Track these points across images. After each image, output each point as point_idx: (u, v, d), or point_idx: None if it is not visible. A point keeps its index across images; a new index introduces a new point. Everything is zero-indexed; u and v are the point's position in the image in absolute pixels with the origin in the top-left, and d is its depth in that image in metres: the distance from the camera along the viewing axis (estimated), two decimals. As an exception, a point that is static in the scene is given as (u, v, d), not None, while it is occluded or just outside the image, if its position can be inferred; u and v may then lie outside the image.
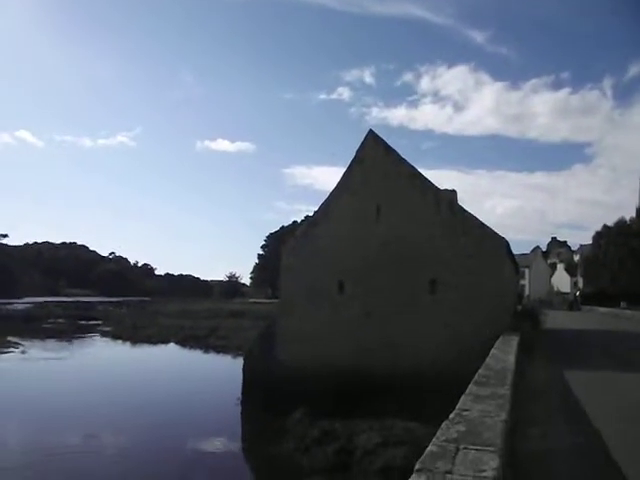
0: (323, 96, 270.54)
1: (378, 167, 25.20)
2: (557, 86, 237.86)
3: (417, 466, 3.83)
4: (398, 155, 25.34)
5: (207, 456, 19.20)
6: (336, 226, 25.45)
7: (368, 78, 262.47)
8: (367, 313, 24.29)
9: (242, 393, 26.20)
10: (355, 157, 25.83)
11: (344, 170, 26.14)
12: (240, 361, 30.46)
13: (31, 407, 26.90)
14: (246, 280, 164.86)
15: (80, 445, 20.81)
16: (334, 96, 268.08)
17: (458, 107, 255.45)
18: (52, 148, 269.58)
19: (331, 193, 26.17)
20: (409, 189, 24.69)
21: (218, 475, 17.13)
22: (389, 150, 25.45)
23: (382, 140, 25.63)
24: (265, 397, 23.17)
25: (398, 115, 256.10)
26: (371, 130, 26.16)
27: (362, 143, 25.81)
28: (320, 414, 18.98)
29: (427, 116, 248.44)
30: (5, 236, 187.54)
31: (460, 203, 25.79)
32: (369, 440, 16.57)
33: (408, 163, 25.22)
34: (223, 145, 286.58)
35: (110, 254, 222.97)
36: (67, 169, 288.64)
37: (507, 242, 24.08)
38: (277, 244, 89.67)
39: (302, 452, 17.34)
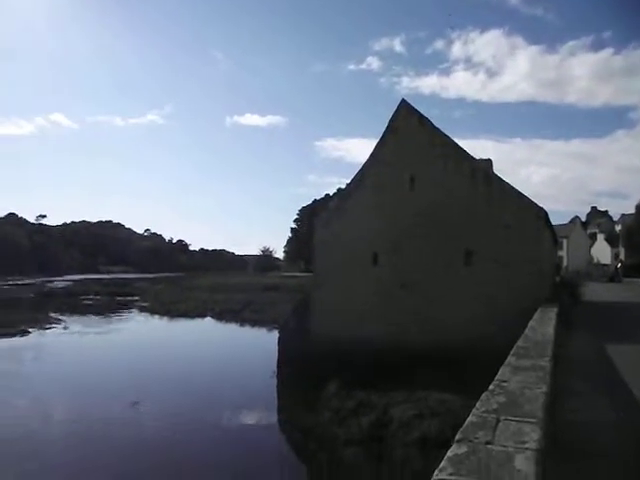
0: (352, 67, 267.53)
1: (412, 137, 24.76)
2: (597, 47, 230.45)
3: (458, 436, 3.69)
4: (432, 124, 24.85)
5: (243, 427, 19.43)
6: (370, 198, 25.17)
7: (398, 47, 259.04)
8: (401, 285, 24.07)
9: (277, 366, 26.37)
10: (388, 127, 25.40)
11: (376, 141, 25.78)
12: (275, 334, 30.67)
13: (74, 379, 27.62)
14: (280, 254, 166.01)
15: (120, 414, 21.29)
16: (363, 66, 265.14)
17: (492, 73, 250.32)
18: (85, 129, 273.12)
19: (364, 164, 25.87)
20: (443, 159, 24.22)
21: (254, 446, 17.29)
22: (423, 119, 24.96)
23: (415, 110, 25.14)
24: (300, 369, 23.22)
25: (429, 84, 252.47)
26: (404, 100, 25.67)
27: (395, 113, 25.36)
28: (355, 386, 18.95)
29: (459, 84, 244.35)
30: (44, 216, 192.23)
31: (495, 172, 25.27)
32: (404, 412, 16.50)
33: (442, 132, 24.71)
34: (253, 119, 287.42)
35: (145, 231, 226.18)
36: (100, 149, 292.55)
37: (545, 212, 23.51)
38: (310, 218, 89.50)
39: (337, 423, 17.35)
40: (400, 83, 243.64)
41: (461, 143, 24.83)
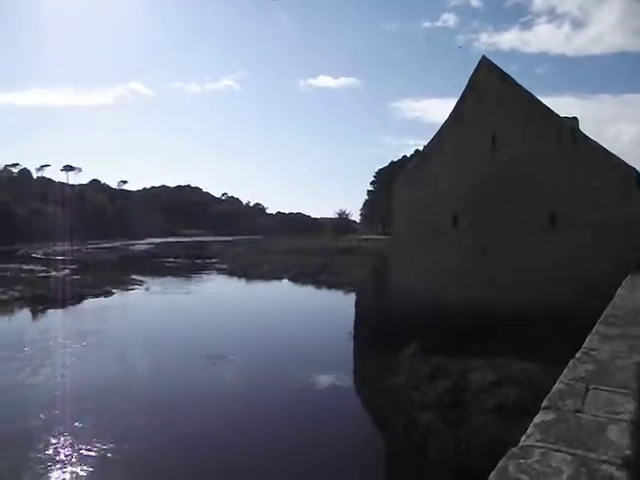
0: (427, 24, 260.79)
1: (492, 95, 23.84)
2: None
3: (545, 403, 3.54)
4: (514, 81, 23.84)
5: (319, 388, 19.68)
6: (449, 158, 24.54)
7: (475, 1, 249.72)
8: (482, 248, 23.50)
9: (354, 328, 26.48)
10: (468, 86, 24.56)
11: (454, 101, 25.04)
12: (351, 297, 30.79)
13: (156, 337, 28.76)
14: (356, 217, 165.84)
15: (201, 371, 22.08)
16: (439, 24, 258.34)
17: (577, 25, 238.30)
18: (163, 96, 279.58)
19: (443, 125, 25.20)
20: (526, 117, 23.23)
21: (330, 407, 17.52)
22: (504, 76, 23.97)
23: (496, 66, 24.16)
24: (377, 332, 23.26)
25: (509, 39, 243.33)
26: (484, 56, 24.70)
27: (475, 70, 24.44)
28: (432, 350, 18.78)
29: (542, 37, 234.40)
30: (125, 182, 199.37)
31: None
32: (482, 378, 16.23)
33: (525, 89, 23.65)
34: (326, 81, 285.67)
35: (223, 195, 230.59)
36: (177, 115, 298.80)
37: (637, 172, 22.28)
38: (387, 180, 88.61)
39: (413, 387, 17.28)
40: (478, 40, 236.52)
41: (543, 101, 23.77)
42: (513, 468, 2.53)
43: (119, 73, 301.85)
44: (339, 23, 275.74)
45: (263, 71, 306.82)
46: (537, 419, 3.28)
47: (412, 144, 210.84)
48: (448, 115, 25.04)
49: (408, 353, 19.97)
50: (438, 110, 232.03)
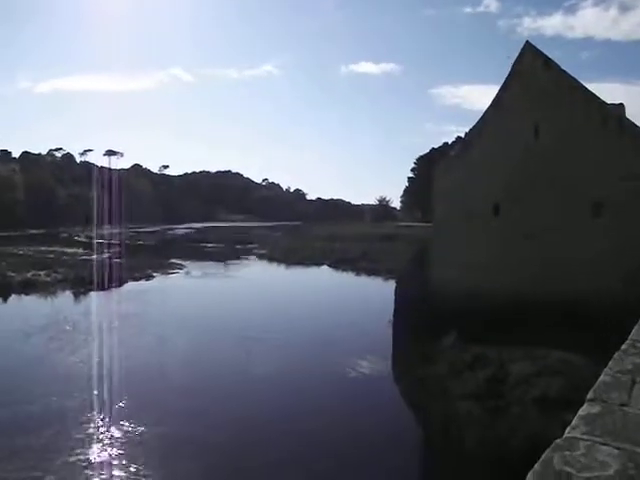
0: (468, 10, 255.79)
1: (536, 81, 23.34)
2: None
3: (589, 395, 3.49)
4: (559, 67, 23.30)
5: (358, 374, 19.73)
6: (491, 146, 24.15)
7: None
8: (523, 236, 23.10)
9: (394, 315, 26.40)
10: (510, 72, 24.09)
11: (496, 88, 24.64)
12: (391, 284, 30.72)
13: (196, 318, 29.33)
14: (396, 204, 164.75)
15: (240, 353, 22.41)
16: (480, 9, 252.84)
17: (625, 7, 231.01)
18: (202, 81, 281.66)
19: (485, 111, 24.81)
20: (571, 104, 22.71)
21: (368, 394, 17.55)
22: (548, 62, 23.43)
23: (540, 52, 23.63)
24: (417, 320, 23.16)
25: (553, 23, 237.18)
26: (528, 42, 24.18)
27: (518, 56, 23.93)
28: (472, 339, 18.66)
29: (587, 22, 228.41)
30: (167, 167, 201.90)
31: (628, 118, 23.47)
32: (523, 369, 16.07)
33: (569, 75, 23.13)
34: (367, 67, 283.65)
35: (263, 180, 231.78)
36: (217, 100, 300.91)
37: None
38: (427, 167, 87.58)
39: (452, 376, 17.22)
40: (521, 24, 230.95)
41: (588, 87, 23.20)
42: (558, 460, 2.52)
43: (159, 59, 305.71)
44: (381, 9, 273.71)
45: (304, 57, 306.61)
46: (582, 411, 3.24)
47: (453, 130, 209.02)
48: (490, 102, 24.64)
49: (447, 342, 19.89)
50: (479, 96, 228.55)
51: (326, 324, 28.42)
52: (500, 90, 24.46)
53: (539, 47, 23.99)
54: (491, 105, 24.60)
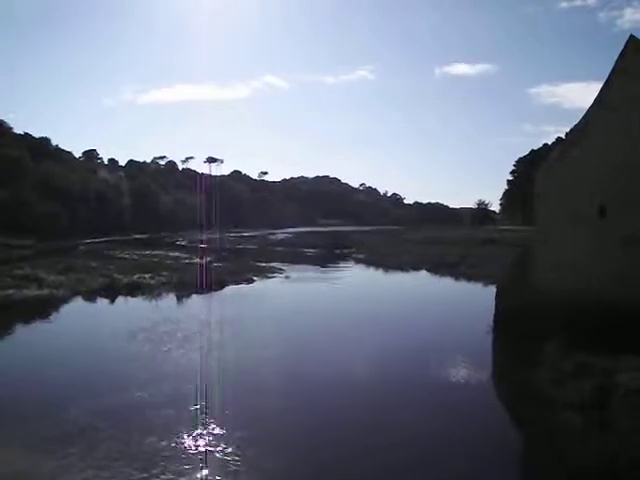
0: (564, 4, 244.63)
1: (643, 77, 22.16)
2: None
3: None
4: (669, 61, 22.04)
5: (456, 380, 19.43)
6: (595, 146, 23.14)
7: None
8: (632, 239, 21.97)
9: (494, 321, 25.88)
10: (614, 68, 22.94)
11: (597, 85, 23.68)
12: (491, 289, 30.06)
13: (299, 321, 30.21)
14: (495, 207, 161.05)
15: (339, 356, 22.77)
16: (577, 2, 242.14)
17: None
18: (297, 88, 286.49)
19: (588, 111, 23.84)
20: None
21: (467, 401, 17.25)
22: (657, 56, 22.19)
23: (647, 45, 22.43)
24: (518, 326, 22.62)
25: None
26: (632, 35, 22.91)
27: (622, 51, 22.74)
28: (576, 346, 17.98)
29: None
30: (265, 173, 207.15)
31: None
32: (633, 379, 15.31)
33: (683, 70, 21.83)
34: (462, 69, 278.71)
35: (361, 185, 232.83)
36: (312, 106, 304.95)
37: None
38: (527, 169, 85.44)
39: (555, 385, 16.69)
40: (621, 17, 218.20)
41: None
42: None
43: (254, 68, 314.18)
44: (473, 9, 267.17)
45: (397, 60, 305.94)
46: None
47: (551, 131, 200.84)
48: (593, 100, 23.67)
49: (550, 349, 19.28)
50: (579, 95, 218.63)
51: (424, 328, 28.22)
52: (603, 88, 23.44)
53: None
54: (593, 104, 23.62)
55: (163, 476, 11.73)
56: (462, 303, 37.19)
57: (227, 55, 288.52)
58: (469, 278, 49.13)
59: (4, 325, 28.13)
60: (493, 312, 26.26)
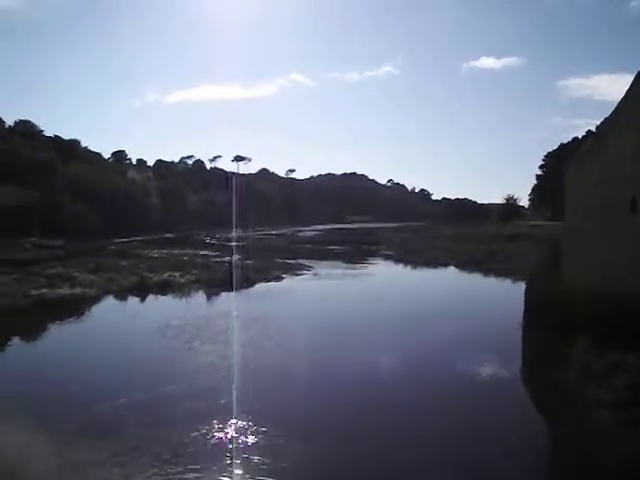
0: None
1: (678, 67, 21.72)
2: None
3: None
4: None
5: (484, 379, 19.30)
6: (628, 140, 22.72)
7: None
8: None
9: (523, 318, 25.66)
10: (648, 58, 22.58)
11: (629, 76, 23.29)
12: (520, 285, 29.81)
13: (329, 317, 30.39)
14: (524, 202, 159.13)
15: (366, 352, 22.70)
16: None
17: None
18: (323, 85, 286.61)
19: (619, 103, 23.35)
20: None
21: (495, 400, 17.14)
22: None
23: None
24: (548, 323, 22.37)
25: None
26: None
27: (657, 41, 22.41)
28: (608, 343, 17.70)
29: None
30: (293, 171, 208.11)
31: None
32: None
33: None
34: (489, 63, 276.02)
35: (388, 181, 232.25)
36: (339, 103, 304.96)
37: None
38: (557, 163, 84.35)
39: (587, 383, 16.47)
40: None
41: None
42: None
43: (280, 66, 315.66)
44: (498, 2, 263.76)
45: (423, 55, 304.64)
46: None
47: (582, 124, 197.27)
48: (625, 92, 23.25)
49: (581, 345, 19.03)
50: (612, 86, 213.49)
51: (453, 325, 28.00)
52: (635, 78, 23.00)
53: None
54: (626, 95, 23.16)
55: (195, 465, 11.94)
56: (491, 300, 36.96)
57: (252, 54, 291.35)
58: (498, 274, 48.82)
59: (40, 323, 28.73)
60: (522, 308, 26.07)
